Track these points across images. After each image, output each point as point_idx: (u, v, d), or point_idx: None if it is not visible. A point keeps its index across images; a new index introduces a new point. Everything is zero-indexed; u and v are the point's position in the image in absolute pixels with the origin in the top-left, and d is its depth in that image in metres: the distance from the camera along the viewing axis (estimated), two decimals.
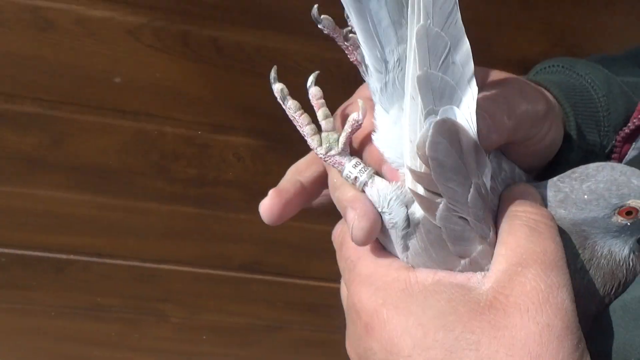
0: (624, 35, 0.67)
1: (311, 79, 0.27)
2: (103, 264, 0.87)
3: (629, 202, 0.26)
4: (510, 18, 0.65)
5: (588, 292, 0.26)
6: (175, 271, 0.88)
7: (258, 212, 0.97)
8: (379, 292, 0.23)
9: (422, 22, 0.22)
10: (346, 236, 0.26)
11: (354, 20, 0.24)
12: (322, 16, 0.25)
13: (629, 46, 0.68)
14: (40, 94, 0.67)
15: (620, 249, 0.27)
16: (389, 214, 0.24)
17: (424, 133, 0.22)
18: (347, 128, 0.25)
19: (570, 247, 0.26)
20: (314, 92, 0.27)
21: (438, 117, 0.22)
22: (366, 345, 0.24)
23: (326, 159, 0.25)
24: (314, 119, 0.27)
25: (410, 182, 0.24)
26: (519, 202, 0.25)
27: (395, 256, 0.25)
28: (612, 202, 0.26)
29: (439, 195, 0.23)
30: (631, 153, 0.42)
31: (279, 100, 0.27)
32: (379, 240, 0.26)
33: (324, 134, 0.26)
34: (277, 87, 0.27)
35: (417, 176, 0.23)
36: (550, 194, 0.27)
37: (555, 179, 0.28)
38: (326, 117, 0.26)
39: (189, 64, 0.65)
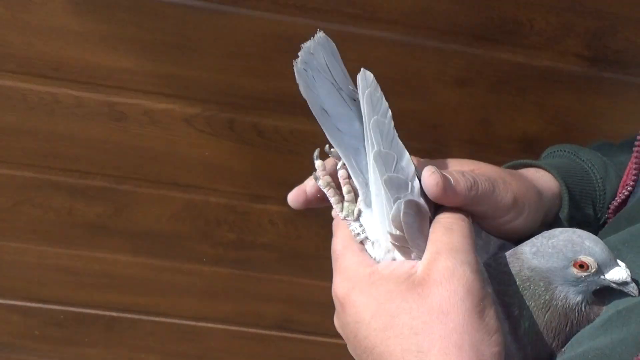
0: (610, 114, 0.75)
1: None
2: (149, 321, 0.95)
3: (580, 257, 0.33)
4: (509, 102, 0.74)
5: (546, 327, 0.34)
6: (212, 329, 0.95)
7: (291, 273, 1.06)
8: (350, 281, 0.33)
9: (375, 148, 0.34)
10: (336, 230, 0.36)
11: (349, 168, 0.36)
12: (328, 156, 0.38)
13: (617, 126, 0.76)
14: (108, 170, 0.79)
15: (575, 297, 0.34)
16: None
17: (397, 209, 0.33)
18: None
19: (537, 290, 0.34)
20: (342, 174, 0.37)
21: (404, 199, 0.33)
22: (343, 319, 0.34)
23: (343, 219, 0.36)
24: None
25: (390, 240, 0.34)
26: (441, 212, 0.34)
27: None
28: (568, 255, 0.33)
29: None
30: None
31: (315, 174, 0.37)
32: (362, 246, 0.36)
33: (345, 203, 0.36)
34: (318, 164, 0.38)
35: (394, 237, 0.33)
36: (527, 248, 0.35)
37: (533, 237, 0.36)
38: (348, 192, 0.36)
39: (233, 144, 0.76)
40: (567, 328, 0.34)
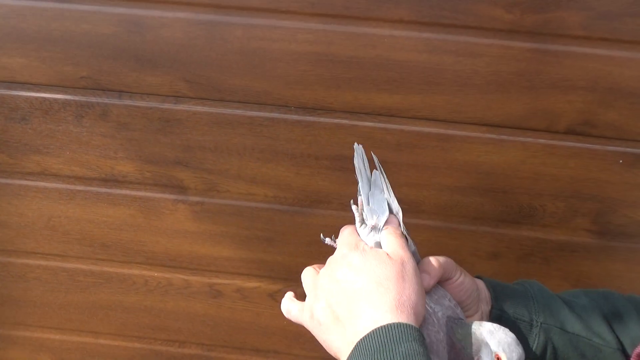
0: (626, 276, 0.86)
1: (352, 202, 0.59)
2: None
3: (499, 352, 0.49)
4: (536, 270, 0.86)
5: None
6: None
7: None
8: (348, 245, 0.54)
9: (364, 192, 0.56)
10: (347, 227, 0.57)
11: (364, 203, 0.57)
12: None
13: (635, 285, 0.87)
14: (202, 340, 0.94)
15: None
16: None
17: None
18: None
19: (477, 350, 0.50)
20: (356, 207, 0.57)
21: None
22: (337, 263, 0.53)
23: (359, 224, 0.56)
24: None
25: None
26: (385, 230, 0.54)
27: None
28: (495, 348, 0.50)
29: None
30: None
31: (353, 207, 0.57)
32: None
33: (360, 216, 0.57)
34: (353, 207, 0.57)
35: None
36: (488, 326, 0.51)
37: (495, 324, 0.52)
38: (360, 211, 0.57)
39: None
40: None
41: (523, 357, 0.50)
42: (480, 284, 0.62)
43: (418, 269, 0.52)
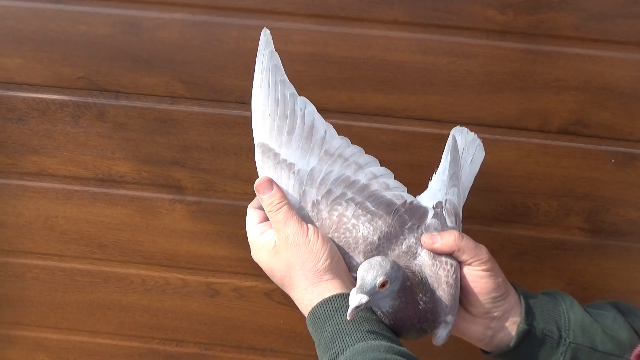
0: (619, 274, 0.86)
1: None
2: None
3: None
4: (531, 268, 0.87)
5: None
6: None
7: None
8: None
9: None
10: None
11: None
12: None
13: (626, 283, 0.88)
14: (200, 338, 0.94)
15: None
16: None
17: None
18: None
19: None
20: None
21: None
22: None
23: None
24: None
25: None
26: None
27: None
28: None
29: None
30: None
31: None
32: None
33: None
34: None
35: None
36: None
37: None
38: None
39: None
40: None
41: (378, 272, 0.53)
42: (514, 298, 0.61)
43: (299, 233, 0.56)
